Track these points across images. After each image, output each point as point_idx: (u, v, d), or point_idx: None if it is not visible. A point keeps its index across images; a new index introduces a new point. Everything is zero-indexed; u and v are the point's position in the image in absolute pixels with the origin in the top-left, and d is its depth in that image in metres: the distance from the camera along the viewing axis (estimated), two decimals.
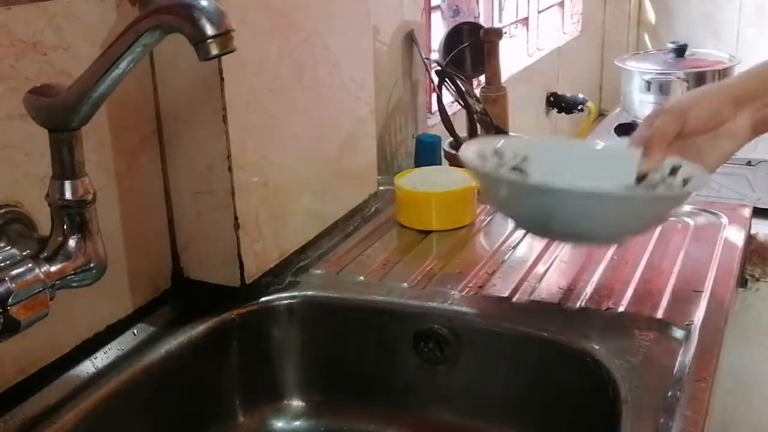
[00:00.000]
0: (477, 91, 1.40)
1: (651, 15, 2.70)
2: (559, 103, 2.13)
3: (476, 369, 0.83)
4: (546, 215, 0.77)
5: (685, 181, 0.81)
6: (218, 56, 0.55)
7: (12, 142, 0.67)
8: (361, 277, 0.91)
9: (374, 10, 1.14)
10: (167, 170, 0.85)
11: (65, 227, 0.64)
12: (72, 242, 0.64)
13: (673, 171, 0.83)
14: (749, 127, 0.84)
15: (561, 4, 2.41)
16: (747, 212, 1.06)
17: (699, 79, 1.87)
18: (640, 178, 0.84)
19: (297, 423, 0.87)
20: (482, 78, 1.42)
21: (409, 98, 1.42)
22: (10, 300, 0.59)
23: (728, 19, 2.53)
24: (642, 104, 1.92)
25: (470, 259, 0.94)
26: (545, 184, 0.79)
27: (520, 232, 0.99)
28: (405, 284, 0.89)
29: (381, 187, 1.14)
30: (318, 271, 0.92)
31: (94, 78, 0.59)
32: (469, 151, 0.83)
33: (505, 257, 0.94)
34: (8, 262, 0.63)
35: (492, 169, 0.85)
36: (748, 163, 1.69)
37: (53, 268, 0.63)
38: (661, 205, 0.80)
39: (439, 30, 1.54)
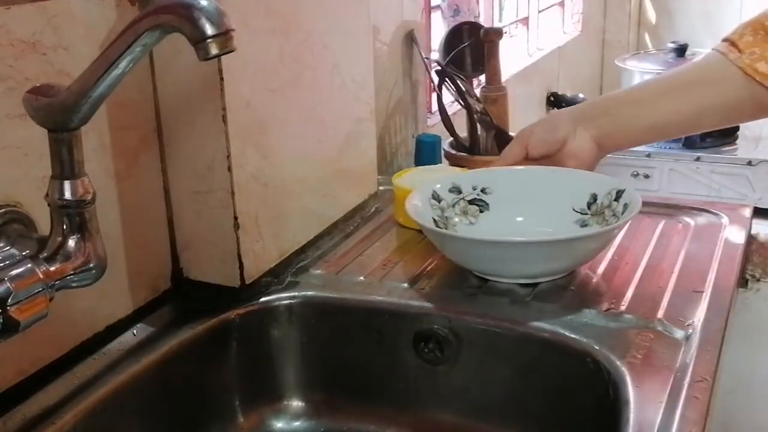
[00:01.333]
0: (477, 91, 1.40)
1: (651, 15, 2.70)
2: (559, 103, 2.13)
3: (476, 369, 0.83)
4: (496, 260, 0.87)
5: (626, 206, 0.90)
6: (218, 56, 0.55)
7: (11, 142, 0.67)
8: (361, 277, 0.91)
9: (374, 10, 1.14)
10: (167, 170, 0.85)
11: (65, 227, 0.64)
12: (71, 242, 0.64)
13: (618, 195, 0.92)
14: (591, 142, 0.90)
15: (561, 4, 2.41)
16: (747, 212, 1.06)
17: None
18: None
19: (297, 423, 0.87)
20: (482, 78, 1.42)
21: (409, 98, 1.42)
22: (9, 300, 0.59)
23: (729, 18, 2.53)
24: None
25: None
26: (468, 236, 0.92)
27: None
28: (405, 284, 0.89)
29: (381, 187, 1.14)
30: (318, 271, 0.92)
31: (94, 78, 0.59)
32: (414, 199, 0.94)
33: None
34: (7, 262, 0.63)
35: (447, 205, 0.97)
36: (749, 163, 1.69)
37: (53, 268, 0.63)
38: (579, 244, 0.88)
39: (439, 30, 1.54)
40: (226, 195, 0.82)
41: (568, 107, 0.95)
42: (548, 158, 0.92)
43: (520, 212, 0.97)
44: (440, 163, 1.37)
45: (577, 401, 0.78)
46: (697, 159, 1.75)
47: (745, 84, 0.87)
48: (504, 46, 1.47)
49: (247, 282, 0.86)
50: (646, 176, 1.80)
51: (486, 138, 1.34)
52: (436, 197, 0.96)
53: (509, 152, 0.94)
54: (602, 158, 0.94)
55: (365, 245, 0.99)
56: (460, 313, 0.83)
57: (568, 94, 2.14)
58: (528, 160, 0.92)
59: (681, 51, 2.13)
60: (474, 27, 1.45)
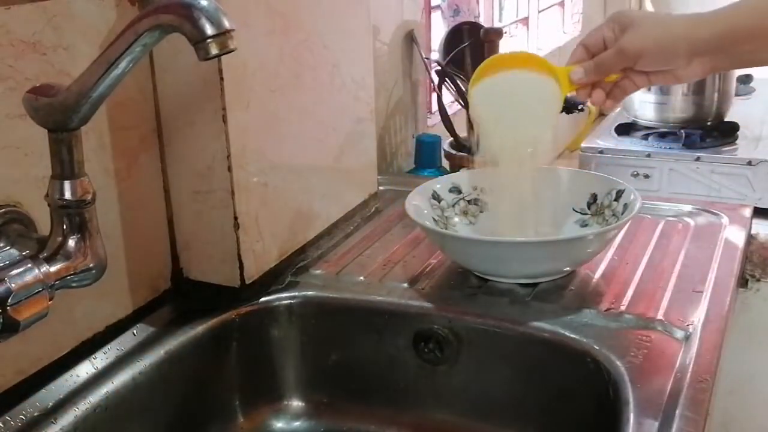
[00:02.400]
0: None
1: None
2: None
3: (476, 369, 0.83)
4: (495, 260, 0.87)
5: (626, 206, 0.90)
6: (218, 56, 0.55)
7: (12, 142, 0.67)
8: (361, 277, 0.91)
9: (374, 10, 1.14)
10: (167, 170, 0.85)
11: (65, 227, 0.64)
12: (71, 242, 0.64)
13: (618, 195, 0.92)
14: (701, 73, 0.81)
15: (561, 4, 2.41)
16: (747, 212, 1.06)
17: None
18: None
19: (297, 423, 0.87)
20: None
21: (409, 98, 1.42)
22: (9, 300, 0.59)
23: None
24: (642, 104, 1.92)
25: None
26: (466, 236, 0.91)
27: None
28: (405, 284, 0.89)
29: (381, 187, 1.14)
30: (318, 271, 0.92)
31: (94, 78, 0.59)
32: (414, 200, 0.92)
33: None
34: (8, 262, 0.63)
35: (447, 205, 0.96)
36: (749, 163, 1.69)
37: (53, 269, 0.63)
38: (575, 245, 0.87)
39: (439, 30, 1.54)
40: (226, 195, 0.82)
41: (677, 23, 0.81)
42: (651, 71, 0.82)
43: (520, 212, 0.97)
44: (440, 164, 1.37)
45: (577, 401, 0.78)
46: (697, 159, 1.75)
47: None
48: (504, 46, 1.47)
49: (247, 282, 0.85)
50: (646, 176, 1.80)
51: None
52: (436, 197, 0.96)
53: (611, 65, 0.81)
54: None
55: (365, 245, 0.99)
56: (460, 313, 0.83)
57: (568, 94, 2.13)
58: (625, 71, 0.81)
59: None
60: (474, 27, 1.45)
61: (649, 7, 2.70)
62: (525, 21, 2.14)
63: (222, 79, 0.78)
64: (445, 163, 1.37)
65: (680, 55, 0.80)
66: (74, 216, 0.64)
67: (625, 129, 1.94)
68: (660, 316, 0.80)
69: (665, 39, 0.81)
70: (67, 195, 0.63)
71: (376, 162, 1.12)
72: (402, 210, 0.93)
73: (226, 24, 0.55)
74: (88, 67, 0.60)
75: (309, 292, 0.88)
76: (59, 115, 0.61)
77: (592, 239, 0.86)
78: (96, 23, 0.74)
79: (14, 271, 0.61)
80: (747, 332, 1.39)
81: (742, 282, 1.33)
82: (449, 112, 1.38)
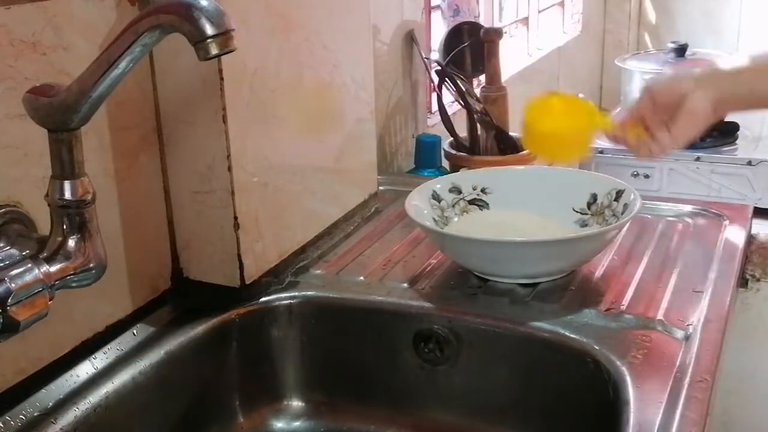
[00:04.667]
0: (477, 91, 1.40)
1: (651, 14, 2.70)
2: None
3: (476, 369, 0.83)
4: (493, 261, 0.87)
5: (626, 206, 0.90)
6: (218, 56, 0.55)
7: (11, 142, 0.67)
8: (361, 277, 0.91)
9: (374, 10, 1.14)
10: (167, 170, 0.85)
11: (65, 227, 0.64)
12: (71, 242, 0.64)
13: (618, 195, 0.93)
14: (707, 104, 0.86)
15: (561, 4, 2.41)
16: (747, 212, 1.06)
17: None
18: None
19: (297, 423, 0.87)
20: (482, 78, 1.42)
21: (409, 98, 1.42)
22: (9, 300, 0.59)
23: (729, 18, 2.53)
24: None
25: None
26: (466, 235, 0.89)
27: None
28: (405, 284, 0.89)
29: (381, 187, 1.14)
30: (318, 271, 0.92)
31: (94, 78, 0.59)
32: (414, 200, 0.93)
33: None
34: (8, 262, 0.63)
35: (447, 205, 0.97)
36: (749, 163, 1.69)
37: (53, 268, 0.63)
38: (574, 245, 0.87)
39: (439, 30, 1.54)
40: (226, 195, 0.82)
41: (698, 69, 0.91)
42: (669, 111, 0.88)
43: (520, 212, 0.97)
44: (440, 163, 1.37)
45: (577, 401, 0.78)
46: (697, 159, 1.75)
47: None
48: (504, 46, 1.47)
49: (247, 282, 0.86)
50: (646, 176, 1.80)
51: (486, 138, 1.34)
52: (436, 197, 0.96)
53: (639, 102, 0.91)
54: (715, 121, 0.92)
55: (365, 245, 0.99)
56: (460, 313, 0.83)
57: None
58: (655, 106, 0.89)
59: (681, 51, 2.13)
60: (474, 27, 1.45)
61: (649, 8, 2.70)
62: (525, 21, 2.14)
63: (222, 79, 0.78)
64: (445, 163, 1.37)
65: (686, 77, 0.87)
66: (74, 216, 0.64)
67: None
68: (660, 316, 0.80)
69: (679, 69, 0.90)
70: (67, 195, 0.63)
71: (376, 162, 1.12)
72: (402, 210, 0.93)
73: (226, 24, 0.55)
74: (88, 67, 0.60)
75: (309, 292, 0.88)
76: (59, 115, 0.61)
77: (592, 239, 0.86)
78: (96, 23, 0.74)
79: (14, 271, 0.61)
80: (747, 332, 1.39)
81: (742, 282, 1.33)
82: (449, 112, 1.38)
